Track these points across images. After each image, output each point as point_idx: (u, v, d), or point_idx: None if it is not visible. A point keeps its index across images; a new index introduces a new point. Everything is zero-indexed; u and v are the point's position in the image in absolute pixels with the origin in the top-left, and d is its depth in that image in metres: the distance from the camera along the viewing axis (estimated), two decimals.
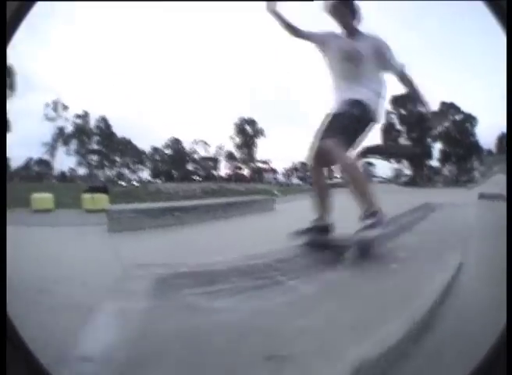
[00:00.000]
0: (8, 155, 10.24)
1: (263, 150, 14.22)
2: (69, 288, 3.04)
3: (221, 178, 14.89)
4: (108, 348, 1.36)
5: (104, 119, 13.23)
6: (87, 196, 8.05)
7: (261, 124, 13.96)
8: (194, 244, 4.23)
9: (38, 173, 11.29)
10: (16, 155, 10.40)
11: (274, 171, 14.28)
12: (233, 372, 1.09)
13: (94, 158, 13.03)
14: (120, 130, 13.30)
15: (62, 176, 12.09)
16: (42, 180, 10.72)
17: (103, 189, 8.59)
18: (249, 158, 14.83)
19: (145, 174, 14.14)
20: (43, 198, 7.72)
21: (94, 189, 8.44)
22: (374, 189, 2.42)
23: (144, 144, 14.03)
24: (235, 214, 6.04)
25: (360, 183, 2.29)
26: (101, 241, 4.76)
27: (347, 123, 2.35)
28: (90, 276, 3.32)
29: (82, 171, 12.87)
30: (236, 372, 1.10)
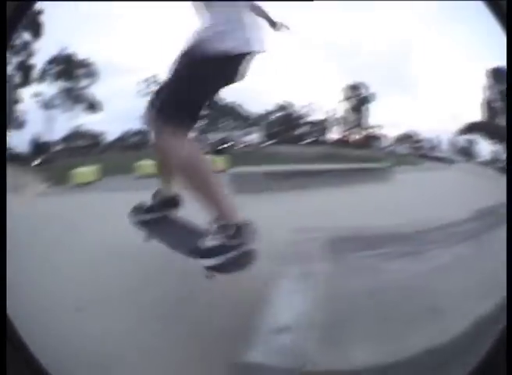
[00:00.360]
0: (101, 129, 11.38)
1: (374, 115, 13.62)
2: None
3: (332, 142, 14.72)
4: (302, 315, 1.35)
5: None
6: (208, 158, 8.37)
7: (372, 88, 13.32)
8: (317, 208, 4.25)
9: (137, 143, 12.25)
10: (111, 129, 11.42)
11: (384, 138, 13.63)
12: (410, 321, 1.35)
13: (203, 122, 13.70)
14: (228, 94, 13.70)
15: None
16: (141, 149, 11.66)
17: (220, 152, 9.01)
18: (360, 122, 14.32)
19: (257, 137, 14.52)
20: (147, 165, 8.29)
21: (212, 152, 8.89)
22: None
23: (255, 107, 14.33)
24: (351, 181, 6.01)
25: (203, 183, 1.64)
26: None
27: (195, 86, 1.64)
28: None
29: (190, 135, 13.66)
30: (411, 322, 1.35)
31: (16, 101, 7.60)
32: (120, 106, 10.64)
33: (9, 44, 1.72)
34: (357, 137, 15.00)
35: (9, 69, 7.82)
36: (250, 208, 4.23)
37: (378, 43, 12.43)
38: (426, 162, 10.78)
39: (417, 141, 13.06)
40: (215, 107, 13.07)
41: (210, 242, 1.60)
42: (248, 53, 1.72)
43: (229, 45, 1.61)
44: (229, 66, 1.67)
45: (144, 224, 2.15)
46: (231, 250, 1.60)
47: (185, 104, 1.63)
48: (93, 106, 10.00)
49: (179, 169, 1.69)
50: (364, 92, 14.08)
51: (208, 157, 7.83)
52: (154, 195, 2.19)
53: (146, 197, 2.55)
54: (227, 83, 1.75)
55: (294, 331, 1.29)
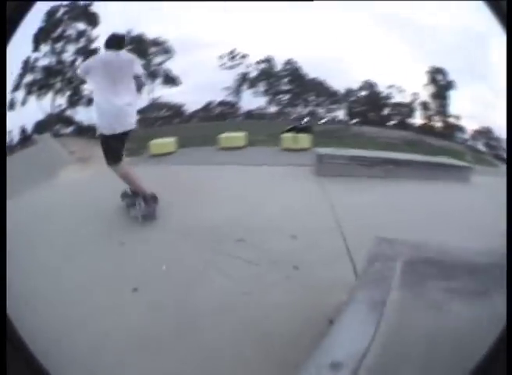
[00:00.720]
0: (182, 100, 11.52)
1: (454, 104, 12.67)
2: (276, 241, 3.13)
3: (416, 127, 14.09)
4: (360, 352, 1.25)
5: (291, 62, 13.80)
6: (288, 135, 8.48)
7: (452, 75, 12.42)
8: (397, 207, 4.15)
9: (221, 113, 12.55)
10: (193, 100, 11.68)
11: (463, 130, 12.59)
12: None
13: (286, 97, 13.87)
14: (312, 71, 13.69)
15: (248, 115, 13.17)
16: (225, 119, 11.83)
17: (306, 129, 8.88)
18: (442, 110, 13.47)
19: (340, 114, 14.33)
20: (236, 137, 8.35)
21: (296, 129, 8.91)
22: None
23: (339, 84, 14.08)
24: (433, 177, 5.48)
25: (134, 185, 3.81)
26: (310, 184, 4.99)
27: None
28: (301, 228, 3.39)
29: (272, 109, 13.82)
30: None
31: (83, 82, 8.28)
32: (201, 79, 10.90)
33: (9, 43, 1.75)
34: (440, 124, 14.16)
35: (67, 55, 8.69)
36: (334, 194, 4.24)
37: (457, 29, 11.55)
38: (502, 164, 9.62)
39: (494, 139, 11.77)
40: (298, 81, 13.16)
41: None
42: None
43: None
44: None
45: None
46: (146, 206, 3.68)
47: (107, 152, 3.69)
48: (170, 80, 10.32)
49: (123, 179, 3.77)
50: (444, 79, 13.19)
51: (289, 135, 7.87)
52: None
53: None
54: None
55: (346, 368, 1.20)
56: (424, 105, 13.58)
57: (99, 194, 4.62)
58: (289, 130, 8.88)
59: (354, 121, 13.81)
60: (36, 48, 8.39)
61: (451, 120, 13.06)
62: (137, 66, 3.79)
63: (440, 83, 13.08)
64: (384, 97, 13.82)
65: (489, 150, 11.86)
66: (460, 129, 12.78)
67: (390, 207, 4.11)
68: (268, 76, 12.97)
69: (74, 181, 5.78)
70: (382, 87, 13.65)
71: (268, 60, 12.76)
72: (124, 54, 3.68)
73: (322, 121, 12.88)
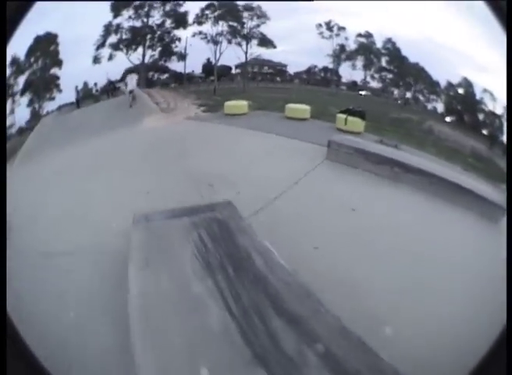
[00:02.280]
0: (286, 61, 12.35)
1: None
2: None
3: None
4: None
5: (391, 41, 13.68)
6: (341, 116, 9.35)
7: None
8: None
9: (324, 78, 13.32)
10: (297, 62, 12.52)
11: None
12: None
13: (387, 75, 14.03)
14: (412, 55, 13.47)
15: (350, 86, 13.75)
16: (328, 85, 12.64)
17: (360, 113, 9.62)
18: None
19: (440, 107, 14.08)
20: (300, 109, 9.36)
21: (351, 112, 9.63)
22: None
23: (438, 74, 13.65)
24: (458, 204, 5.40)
25: None
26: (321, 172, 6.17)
27: None
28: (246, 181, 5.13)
29: (373, 85, 14.12)
30: None
31: (173, 40, 9.58)
32: (301, 44, 11.84)
33: (9, 43, 1.88)
34: None
35: (156, 18, 9.97)
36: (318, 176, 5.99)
37: None
38: None
39: None
40: (398, 63, 13.22)
41: None
42: None
43: None
44: None
45: None
46: None
47: None
48: (266, 43, 11.42)
49: None
50: None
51: (342, 116, 8.74)
52: None
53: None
54: None
55: None
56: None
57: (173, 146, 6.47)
58: (344, 111, 9.57)
59: (449, 119, 13.44)
60: (116, 15, 9.59)
61: None
62: None
63: None
64: (479, 101, 13.18)
65: None
66: None
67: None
68: (366, 51, 13.24)
69: (155, 128, 7.60)
70: (478, 90, 12.99)
71: (367, 35, 12.98)
72: None
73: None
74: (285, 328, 2.45)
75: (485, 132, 13.43)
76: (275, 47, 11.48)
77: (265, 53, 11.79)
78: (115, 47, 9.56)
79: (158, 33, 10.29)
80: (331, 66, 13.25)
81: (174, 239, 3.44)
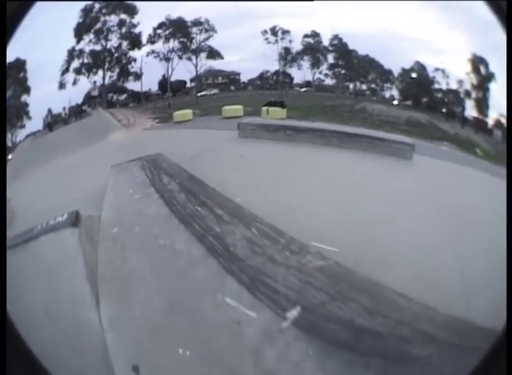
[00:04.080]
0: (238, 69, 14.16)
1: (494, 98, 12.56)
2: None
3: (465, 119, 14.81)
4: None
5: (338, 38, 15.63)
6: (264, 108, 11.23)
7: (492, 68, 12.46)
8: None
9: (276, 82, 15.47)
10: (249, 68, 14.68)
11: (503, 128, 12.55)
12: None
13: (340, 71, 16.01)
14: (361, 48, 15.29)
15: (303, 86, 15.87)
16: (277, 89, 14.92)
17: (280, 103, 11.82)
18: (482, 103, 13.83)
19: (395, 93, 15.81)
20: (233, 109, 11.35)
21: (271, 103, 11.62)
22: None
23: (390, 63, 15.40)
24: (353, 148, 7.57)
25: None
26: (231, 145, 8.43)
27: None
28: None
29: (328, 82, 16.10)
30: None
31: (130, 61, 11.56)
32: (254, 49, 13.99)
33: (9, 43, 2.04)
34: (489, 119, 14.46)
35: (114, 41, 11.34)
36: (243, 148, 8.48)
37: None
38: None
39: None
40: (346, 57, 15.14)
41: None
42: None
43: None
44: None
45: None
46: None
47: None
48: (214, 55, 13.75)
49: None
50: (485, 70, 13.60)
51: (264, 108, 11.21)
52: None
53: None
54: None
55: None
56: (468, 94, 14.28)
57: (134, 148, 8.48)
58: (266, 104, 11.97)
59: (406, 103, 15.14)
60: (79, 40, 10.76)
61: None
62: None
63: (482, 75, 13.70)
64: (431, 80, 14.81)
65: None
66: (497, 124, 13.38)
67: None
68: (313, 50, 15.27)
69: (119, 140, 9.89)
70: (430, 70, 14.65)
71: (313, 35, 14.97)
72: None
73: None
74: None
75: (444, 109, 15.14)
76: (222, 58, 13.06)
77: (218, 64, 13.53)
78: (78, 71, 10.72)
79: (116, 55, 11.59)
80: (282, 69, 15.42)
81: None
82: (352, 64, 15.69)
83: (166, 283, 3.23)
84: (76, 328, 3.19)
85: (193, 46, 13.13)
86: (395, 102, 14.69)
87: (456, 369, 2.20)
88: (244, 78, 15.07)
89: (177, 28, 12.76)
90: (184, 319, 2.83)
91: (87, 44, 11.17)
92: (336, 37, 14.98)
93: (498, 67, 13.26)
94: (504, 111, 13.55)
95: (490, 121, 13.74)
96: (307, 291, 2.85)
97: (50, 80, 9.70)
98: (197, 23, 13.05)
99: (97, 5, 11.52)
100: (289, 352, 2.42)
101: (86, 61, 11.13)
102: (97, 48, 11.55)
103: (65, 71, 10.63)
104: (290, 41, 15.02)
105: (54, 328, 3.21)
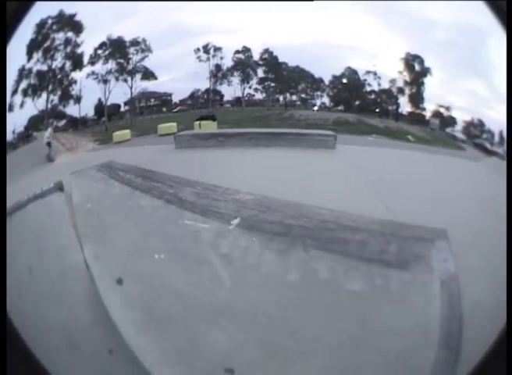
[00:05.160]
0: (170, 90, 15.17)
1: (430, 91, 14.46)
2: None
3: (399, 115, 16.65)
4: None
5: (268, 51, 16.88)
6: (196, 123, 12.89)
7: (428, 63, 14.38)
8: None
9: (206, 100, 16.66)
10: (181, 88, 15.92)
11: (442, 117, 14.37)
12: None
13: (266, 84, 17.23)
14: (291, 60, 16.73)
15: (236, 102, 17.22)
16: (208, 107, 16.24)
17: (211, 117, 13.38)
18: (416, 97, 15.68)
19: (327, 101, 17.34)
20: (168, 126, 12.69)
21: (203, 117, 13.31)
22: None
23: (320, 72, 17.02)
24: (280, 145, 9.12)
25: None
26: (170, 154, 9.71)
27: None
28: None
29: (259, 97, 17.46)
30: None
31: (71, 83, 12.44)
32: (186, 68, 14.51)
33: (9, 43, 2.17)
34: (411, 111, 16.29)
35: (58, 61, 12.04)
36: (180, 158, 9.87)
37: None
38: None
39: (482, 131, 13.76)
40: (276, 70, 16.56)
41: None
42: None
43: None
44: None
45: None
46: None
47: None
48: (148, 76, 14.69)
49: None
50: (419, 66, 15.25)
51: (197, 122, 12.67)
52: None
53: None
54: None
55: None
56: (401, 91, 16.05)
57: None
58: (198, 119, 13.34)
59: (339, 108, 16.75)
60: (29, 58, 11.41)
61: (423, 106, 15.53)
62: None
63: (416, 71, 15.38)
64: (362, 83, 16.50)
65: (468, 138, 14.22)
66: (436, 115, 15.21)
67: None
68: (243, 66, 16.61)
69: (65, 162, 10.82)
70: (361, 74, 16.35)
71: (244, 50, 16.23)
72: None
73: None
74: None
75: (377, 109, 16.81)
76: (156, 78, 14.09)
77: (151, 85, 14.53)
78: (25, 93, 11.31)
79: (59, 76, 12.26)
80: (213, 87, 16.61)
81: None
82: (282, 76, 17.21)
83: (138, 222, 4.21)
84: (61, 273, 3.77)
85: (130, 67, 14.10)
86: (315, 108, 16.42)
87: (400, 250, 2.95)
88: (176, 99, 16.36)
89: (116, 48, 13.58)
90: (157, 237, 3.85)
91: (35, 63, 11.79)
92: (266, 50, 16.41)
93: (435, 62, 15.04)
94: (443, 101, 15.33)
95: (427, 113, 15.49)
96: (243, 210, 4.03)
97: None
98: (134, 42, 14.00)
99: (49, 21, 12.12)
100: (238, 241, 3.48)
101: (32, 82, 11.75)
102: (44, 68, 12.20)
103: (15, 92, 11.26)
104: (221, 58, 16.26)
105: (36, 284, 3.73)
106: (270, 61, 16.73)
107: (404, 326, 2.59)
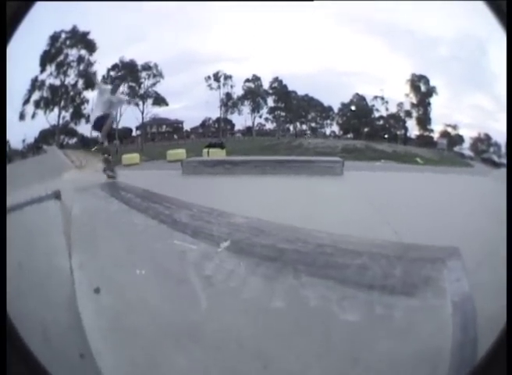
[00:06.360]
0: (181, 117, 15.85)
1: (437, 111, 14.31)
2: None
3: (407, 139, 16.44)
4: None
5: (278, 80, 17.07)
6: (204, 150, 13.19)
7: (433, 82, 14.25)
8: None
9: (217, 129, 16.75)
10: (192, 116, 16.03)
11: (450, 137, 14.24)
12: None
13: (280, 113, 17.30)
14: (300, 89, 16.79)
15: (247, 131, 17.29)
16: (219, 136, 16.29)
17: (219, 145, 13.43)
18: (424, 119, 15.58)
19: (336, 129, 17.34)
20: (177, 153, 12.96)
21: (211, 145, 13.72)
22: None
23: (329, 100, 16.99)
24: (286, 173, 9.07)
25: None
26: (176, 179, 9.51)
27: None
28: None
29: (269, 126, 17.53)
30: None
31: (83, 102, 12.47)
32: (198, 95, 15.07)
33: (9, 44, 2.16)
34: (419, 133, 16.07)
35: (71, 78, 12.31)
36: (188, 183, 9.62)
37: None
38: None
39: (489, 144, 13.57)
40: (286, 98, 16.52)
41: None
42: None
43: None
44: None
45: None
46: None
47: None
48: (159, 101, 14.64)
49: None
50: (425, 86, 15.12)
51: (205, 150, 12.52)
52: None
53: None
54: None
55: None
56: (408, 114, 15.93)
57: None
58: (207, 146, 13.52)
59: (348, 136, 16.68)
60: (43, 70, 11.87)
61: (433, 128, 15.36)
62: None
63: (422, 91, 15.30)
64: (370, 110, 16.49)
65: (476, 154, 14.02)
66: (444, 135, 15.04)
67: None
68: (254, 94, 16.74)
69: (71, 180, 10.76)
70: (369, 99, 16.34)
71: (254, 79, 16.41)
72: None
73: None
74: None
75: (385, 135, 16.74)
76: (167, 104, 14.48)
77: (162, 111, 14.86)
78: (37, 105, 11.63)
79: (71, 93, 12.53)
80: (223, 115, 16.67)
81: None
82: (291, 105, 17.22)
83: (127, 238, 4.10)
84: (47, 275, 3.80)
85: (141, 91, 14.39)
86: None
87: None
88: (187, 126, 16.41)
89: (128, 71, 13.87)
90: (142, 253, 3.70)
91: (48, 76, 12.09)
92: (276, 79, 16.55)
93: (440, 80, 14.99)
94: (450, 120, 15.07)
95: (435, 134, 15.43)
96: (235, 233, 3.82)
97: (12, 109, 10.26)
98: (146, 67, 14.41)
99: (63, 35, 12.42)
100: (223, 264, 3.27)
101: (45, 95, 12.00)
102: (57, 82, 12.49)
103: (27, 102, 11.62)
104: (232, 87, 16.49)
105: (24, 279, 3.72)
106: (280, 90, 16.83)
107: (408, 360, 2.34)
